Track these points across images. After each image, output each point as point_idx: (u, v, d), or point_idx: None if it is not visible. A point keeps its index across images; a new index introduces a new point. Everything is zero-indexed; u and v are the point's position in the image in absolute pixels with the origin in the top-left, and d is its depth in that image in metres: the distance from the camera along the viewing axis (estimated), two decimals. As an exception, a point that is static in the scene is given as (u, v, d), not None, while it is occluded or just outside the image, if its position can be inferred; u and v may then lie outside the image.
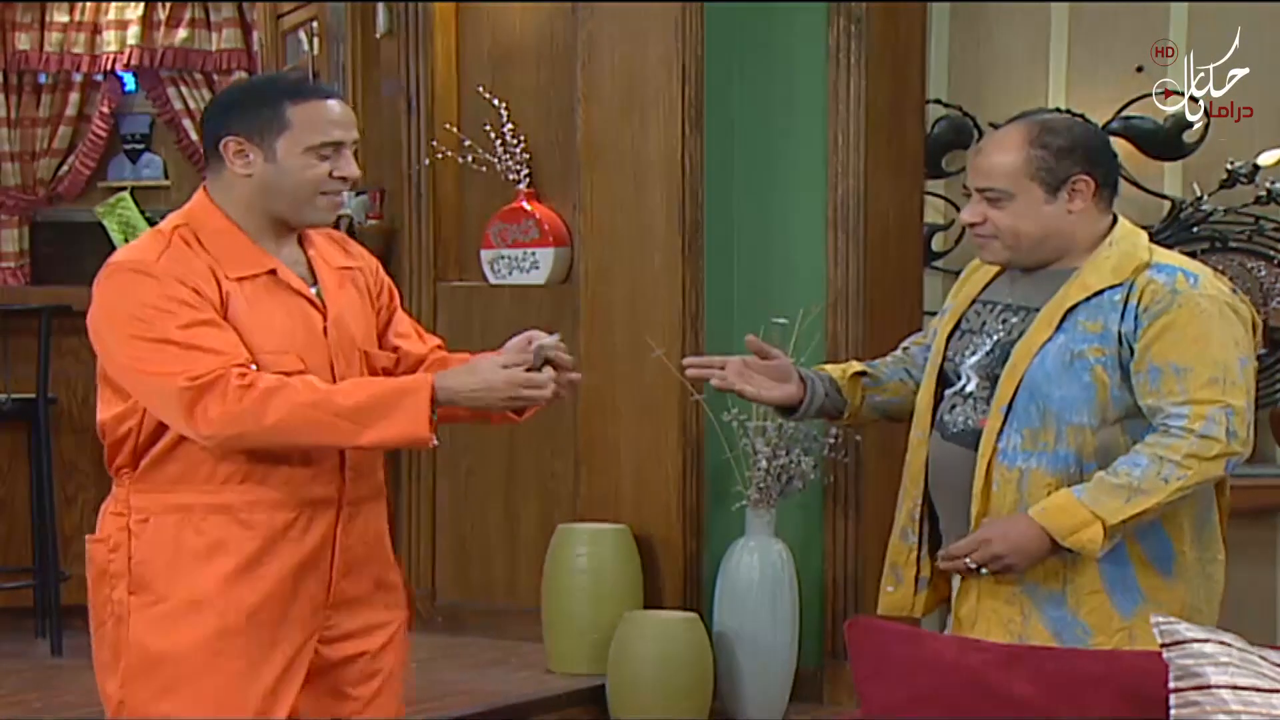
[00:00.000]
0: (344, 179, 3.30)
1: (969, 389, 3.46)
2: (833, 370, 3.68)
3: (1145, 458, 3.28)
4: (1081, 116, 5.73)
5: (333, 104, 3.30)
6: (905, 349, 3.77)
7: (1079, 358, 3.33)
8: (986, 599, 3.42)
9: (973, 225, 3.45)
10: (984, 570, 3.36)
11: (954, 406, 3.50)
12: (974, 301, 3.53)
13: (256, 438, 3.19)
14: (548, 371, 3.26)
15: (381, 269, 3.56)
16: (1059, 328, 3.36)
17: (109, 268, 3.25)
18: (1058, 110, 5.64)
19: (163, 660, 3.24)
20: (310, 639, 3.33)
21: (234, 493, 3.25)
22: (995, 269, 3.52)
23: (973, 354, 3.47)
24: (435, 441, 3.24)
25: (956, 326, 3.54)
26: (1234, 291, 3.43)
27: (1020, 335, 3.41)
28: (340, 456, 3.32)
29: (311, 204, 3.29)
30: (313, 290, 3.34)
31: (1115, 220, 3.46)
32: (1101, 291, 3.35)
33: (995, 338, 3.45)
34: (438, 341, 3.59)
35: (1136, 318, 3.32)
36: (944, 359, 3.53)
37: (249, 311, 3.24)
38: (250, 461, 3.25)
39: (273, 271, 3.29)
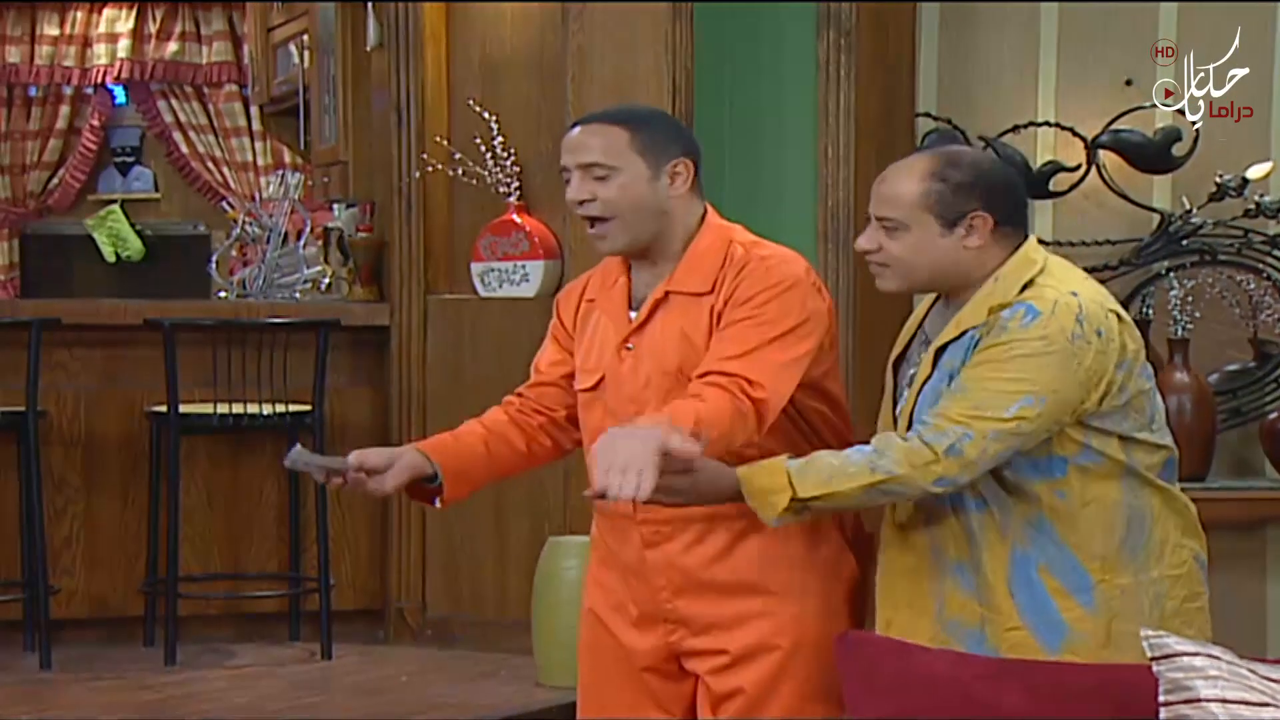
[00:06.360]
0: (572, 201, 3.47)
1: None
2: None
3: (870, 448, 3.22)
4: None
5: (571, 131, 3.55)
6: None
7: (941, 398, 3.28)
8: (908, 639, 3.31)
9: (867, 253, 3.43)
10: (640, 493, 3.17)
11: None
12: (918, 328, 3.52)
13: None
14: None
15: None
16: (934, 366, 3.34)
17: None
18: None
19: None
20: None
21: None
22: (932, 296, 3.50)
23: (909, 385, 3.46)
24: None
25: (902, 355, 3.52)
26: (1099, 333, 3.22)
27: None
28: None
29: None
30: None
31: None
32: (966, 331, 3.30)
33: (912, 371, 3.44)
34: None
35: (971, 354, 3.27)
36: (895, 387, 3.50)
37: None
38: None
39: None
